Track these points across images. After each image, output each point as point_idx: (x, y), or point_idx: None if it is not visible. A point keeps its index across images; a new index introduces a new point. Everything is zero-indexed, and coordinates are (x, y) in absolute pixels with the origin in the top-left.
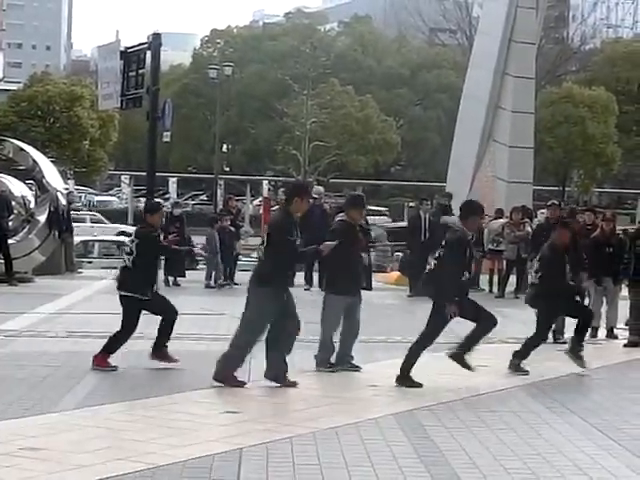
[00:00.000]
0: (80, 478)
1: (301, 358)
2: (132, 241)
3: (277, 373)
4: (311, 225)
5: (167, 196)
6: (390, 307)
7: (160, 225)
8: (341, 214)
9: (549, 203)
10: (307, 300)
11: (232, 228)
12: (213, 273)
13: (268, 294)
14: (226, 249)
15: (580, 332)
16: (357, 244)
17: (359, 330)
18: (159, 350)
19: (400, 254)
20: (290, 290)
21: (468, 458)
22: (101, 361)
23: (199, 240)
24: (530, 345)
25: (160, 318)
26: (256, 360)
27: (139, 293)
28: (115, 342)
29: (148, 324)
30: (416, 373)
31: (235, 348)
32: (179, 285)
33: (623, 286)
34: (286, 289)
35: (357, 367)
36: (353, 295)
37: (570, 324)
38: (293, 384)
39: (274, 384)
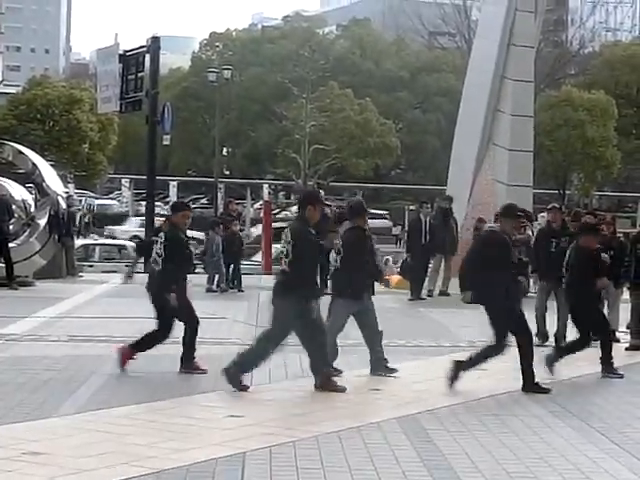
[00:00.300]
0: None
1: (303, 362)
2: (162, 243)
3: (321, 380)
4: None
5: (167, 199)
6: (391, 311)
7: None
8: (346, 222)
9: (550, 206)
10: None
11: (241, 233)
12: (216, 277)
13: (292, 304)
14: (235, 254)
15: (603, 350)
16: (367, 249)
17: (379, 327)
18: (188, 362)
19: (389, 258)
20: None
21: (470, 462)
22: (127, 353)
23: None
24: (576, 347)
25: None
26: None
27: (166, 292)
28: (149, 342)
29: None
30: (418, 377)
31: (253, 353)
32: None
33: (624, 289)
34: (310, 299)
35: (393, 370)
36: (362, 302)
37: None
38: (343, 389)
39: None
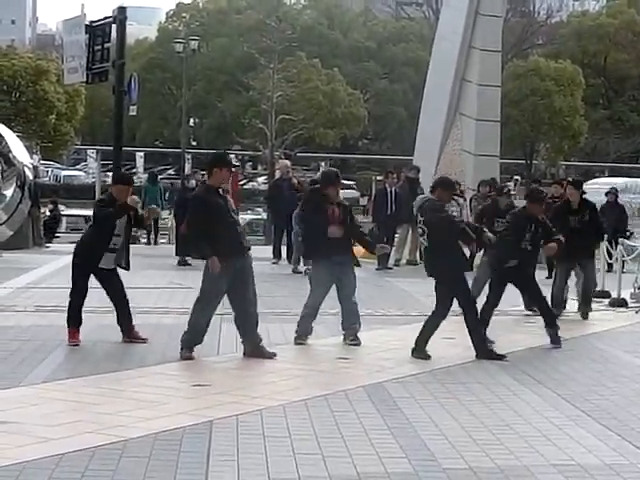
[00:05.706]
0: (50, 451)
1: (273, 330)
2: None
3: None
4: (280, 199)
5: (134, 170)
6: (358, 280)
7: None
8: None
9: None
10: (275, 274)
11: None
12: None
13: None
14: None
15: None
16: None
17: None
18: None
19: None
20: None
21: (437, 429)
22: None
23: None
24: None
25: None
26: (224, 333)
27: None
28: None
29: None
30: (385, 346)
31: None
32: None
33: None
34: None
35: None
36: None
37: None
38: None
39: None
